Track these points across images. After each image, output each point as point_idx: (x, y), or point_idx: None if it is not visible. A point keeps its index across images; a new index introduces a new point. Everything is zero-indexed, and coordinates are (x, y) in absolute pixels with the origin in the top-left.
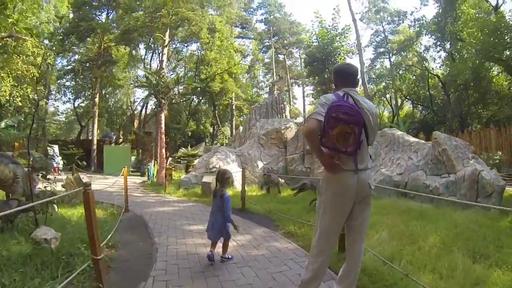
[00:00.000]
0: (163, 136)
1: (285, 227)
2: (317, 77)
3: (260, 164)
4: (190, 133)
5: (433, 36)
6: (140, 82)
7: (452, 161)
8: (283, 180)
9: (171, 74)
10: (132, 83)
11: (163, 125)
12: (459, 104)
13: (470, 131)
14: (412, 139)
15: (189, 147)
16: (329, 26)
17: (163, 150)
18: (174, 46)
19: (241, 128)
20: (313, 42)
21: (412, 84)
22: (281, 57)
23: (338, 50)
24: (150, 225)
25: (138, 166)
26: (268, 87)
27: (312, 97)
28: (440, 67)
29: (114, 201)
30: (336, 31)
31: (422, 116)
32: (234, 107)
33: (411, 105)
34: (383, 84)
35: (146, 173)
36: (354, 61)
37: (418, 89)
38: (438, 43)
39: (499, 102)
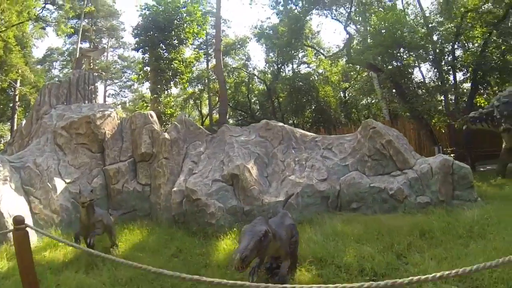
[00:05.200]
0: None
1: None
2: (147, 54)
3: (60, 184)
4: None
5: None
6: None
7: (403, 155)
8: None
9: None
10: None
11: None
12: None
13: None
14: (308, 133)
15: None
16: None
17: None
18: None
19: (23, 122)
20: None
21: (233, 87)
22: (85, 45)
23: (192, 13)
24: None
25: None
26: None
27: (137, 82)
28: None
29: None
30: None
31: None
32: (17, 98)
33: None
34: (199, 86)
35: None
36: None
37: (237, 93)
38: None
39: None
